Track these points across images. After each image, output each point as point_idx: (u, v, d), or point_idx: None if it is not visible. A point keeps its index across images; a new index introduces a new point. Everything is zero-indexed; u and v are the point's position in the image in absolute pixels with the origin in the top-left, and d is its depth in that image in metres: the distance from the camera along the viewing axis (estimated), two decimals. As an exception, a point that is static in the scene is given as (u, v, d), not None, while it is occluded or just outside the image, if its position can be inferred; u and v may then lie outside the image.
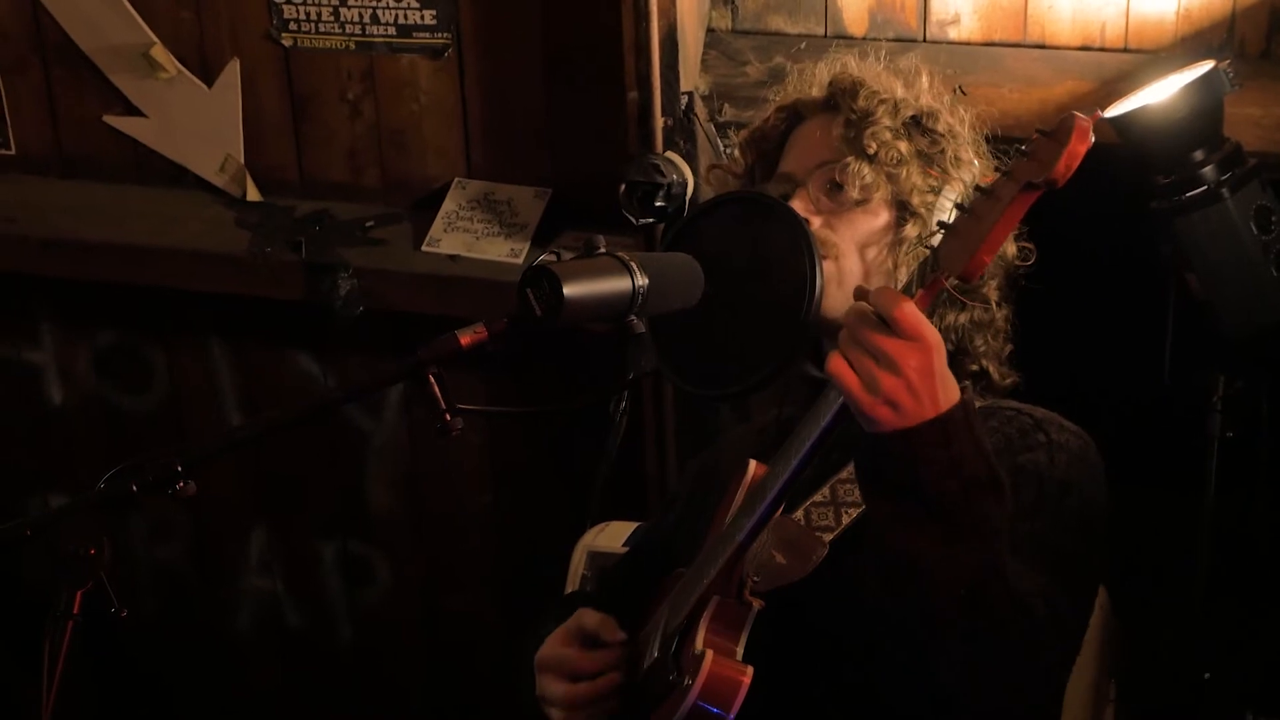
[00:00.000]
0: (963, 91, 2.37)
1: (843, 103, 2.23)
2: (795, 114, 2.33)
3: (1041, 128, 1.68)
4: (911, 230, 2.14)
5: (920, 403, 1.73)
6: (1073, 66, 3.21)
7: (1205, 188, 2.76)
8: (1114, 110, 2.81)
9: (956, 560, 1.75)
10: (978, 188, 1.74)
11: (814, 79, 2.32)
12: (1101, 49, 3.24)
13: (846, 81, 2.25)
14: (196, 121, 3.91)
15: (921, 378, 1.73)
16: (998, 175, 1.72)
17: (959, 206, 1.75)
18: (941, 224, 1.78)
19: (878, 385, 1.73)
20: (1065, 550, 1.96)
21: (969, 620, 1.76)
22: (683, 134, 3.35)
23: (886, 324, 1.73)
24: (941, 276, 1.74)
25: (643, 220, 3.28)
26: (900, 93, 2.24)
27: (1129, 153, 2.80)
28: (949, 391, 1.75)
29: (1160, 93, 2.77)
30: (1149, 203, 2.82)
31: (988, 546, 1.76)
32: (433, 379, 1.86)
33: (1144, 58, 3.18)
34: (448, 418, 1.87)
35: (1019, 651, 1.80)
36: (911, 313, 1.72)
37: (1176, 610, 3.02)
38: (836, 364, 1.76)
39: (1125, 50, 3.22)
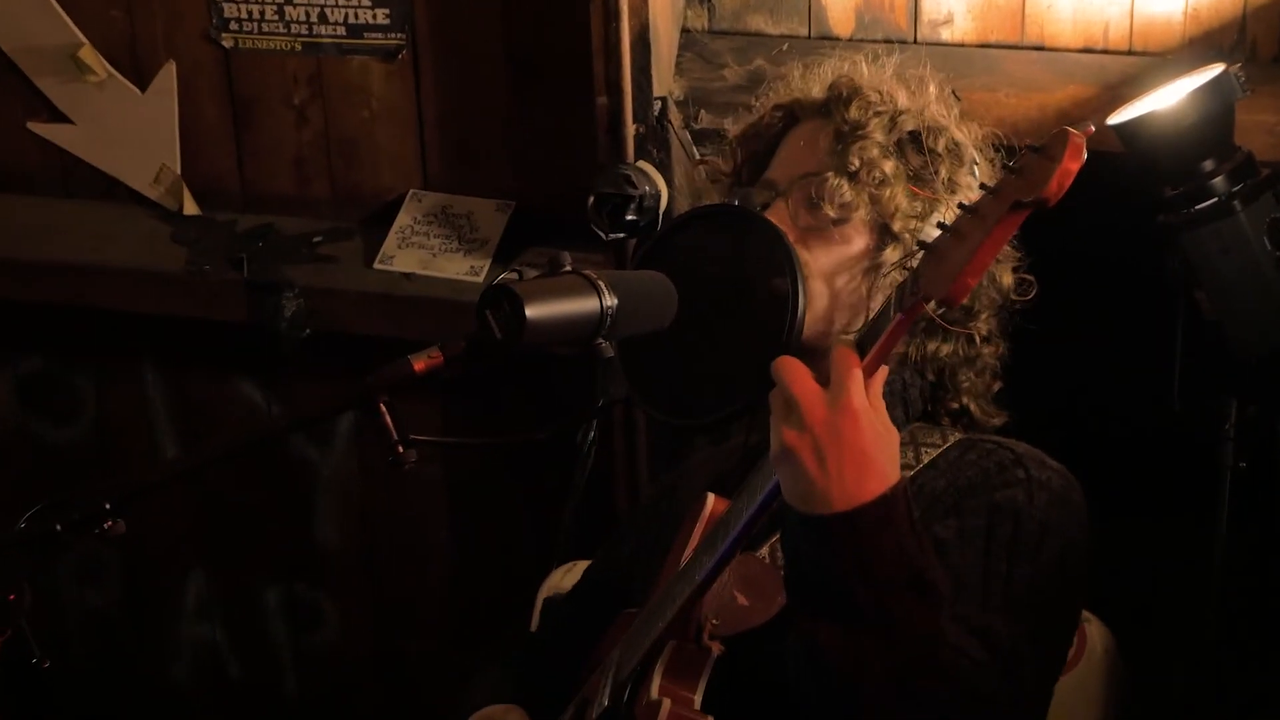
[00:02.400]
0: (956, 96, 2.38)
1: (836, 110, 2.24)
2: (791, 114, 2.34)
3: (1032, 143, 1.69)
4: (891, 256, 2.15)
5: (825, 472, 1.72)
6: (1074, 69, 3.23)
7: (1215, 200, 2.77)
8: (1118, 117, 2.82)
9: (864, 659, 1.74)
10: (962, 205, 1.74)
11: (817, 78, 2.33)
12: (1104, 51, 3.26)
13: (844, 87, 2.26)
14: (129, 129, 3.91)
15: (828, 439, 1.72)
16: (983, 193, 1.72)
17: (942, 226, 1.75)
18: (921, 244, 1.78)
19: (779, 434, 1.74)
20: (1040, 595, 1.96)
21: (897, 707, 1.75)
22: (656, 142, 3.36)
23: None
24: (921, 301, 1.74)
25: (612, 235, 3.29)
26: (902, 104, 2.25)
27: (1134, 162, 2.81)
28: (870, 475, 1.74)
29: (1167, 98, 2.78)
30: (1155, 216, 2.83)
31: (906, 649, 1.74)
32: (384, 407, 1.86)
33: (1150, 61, 3.19)
34: (400, 449, 1.86)
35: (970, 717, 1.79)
36: (844, 363, 1.74)
37: (1186, 651, 3.03)
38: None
39: (1130, 53, 3.24)
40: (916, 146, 2.22)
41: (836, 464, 1.72)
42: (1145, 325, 3.08)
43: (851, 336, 1.82)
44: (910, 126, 2.23)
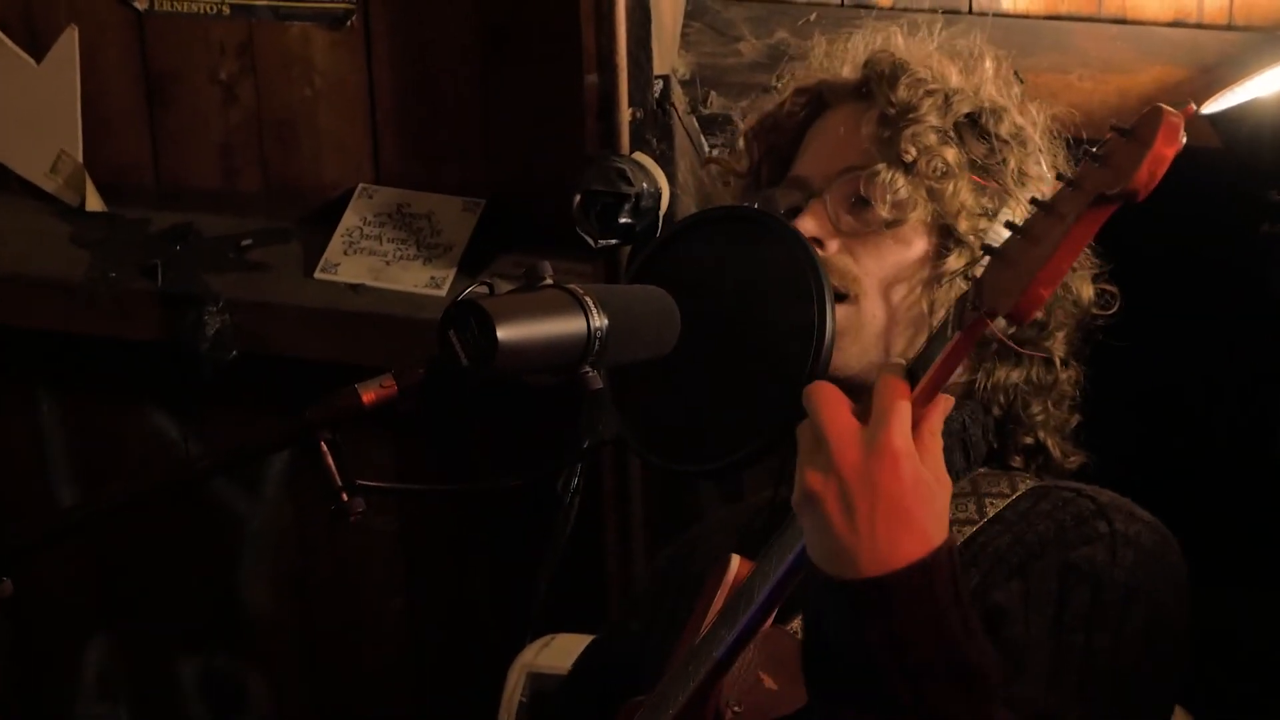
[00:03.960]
0: (1019, 78, 2.38)
1: (878, 91, 2.22)
2: (818, 99, 2.33)
3: (1118, 124, 1.69)
4: (956, 263, 2.14)
5: (854, 527, 1.70)
6: (1162, 47, 3.23)
7: (1333, 208, 2.78)
8: (1214, 104, 2.83)
9: None
10: (1034, 201, 1.72)
11: (846, 55, 2.32)
12: (1199, 25, 3.26)
13: (885, 63, 2.24)
14: (21, 107, 3.91)
15: (860, 487, 1.70)
16: (1060, 186, 1.70)
17: (1010, 226, 1.74)
18: (987, 249, 1.77)
19: (803, 474, 1.72)
20: (1127, 673, 1.94)
21: None
22: (656, 130, 3.36)
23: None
24: (985, 315, 1.73)
25: (603, 242, 3.29)
26: (955, 82, 2.24)
27: (1233, 159, 2.81)
28: (908, 535, 1.71)
29: (1274, 83, 2.79)
30: (1259, 226, 2.84)
31: None
32: (326, 447, 1.86)
33: (1253, 37, 3.20)
34: (345, 497, 1.86)
35: None
36: (889, 393, 1.72)
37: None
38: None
39: (1229, 28, 3.25)
40: (976, 131, 2.21)
41: (868, 518, 1.70)
42: (1245, 356, 3.08)
43: (901, 362, 1.81)
44: (967, 108, 2.21)
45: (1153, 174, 1.63)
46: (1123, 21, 3.30)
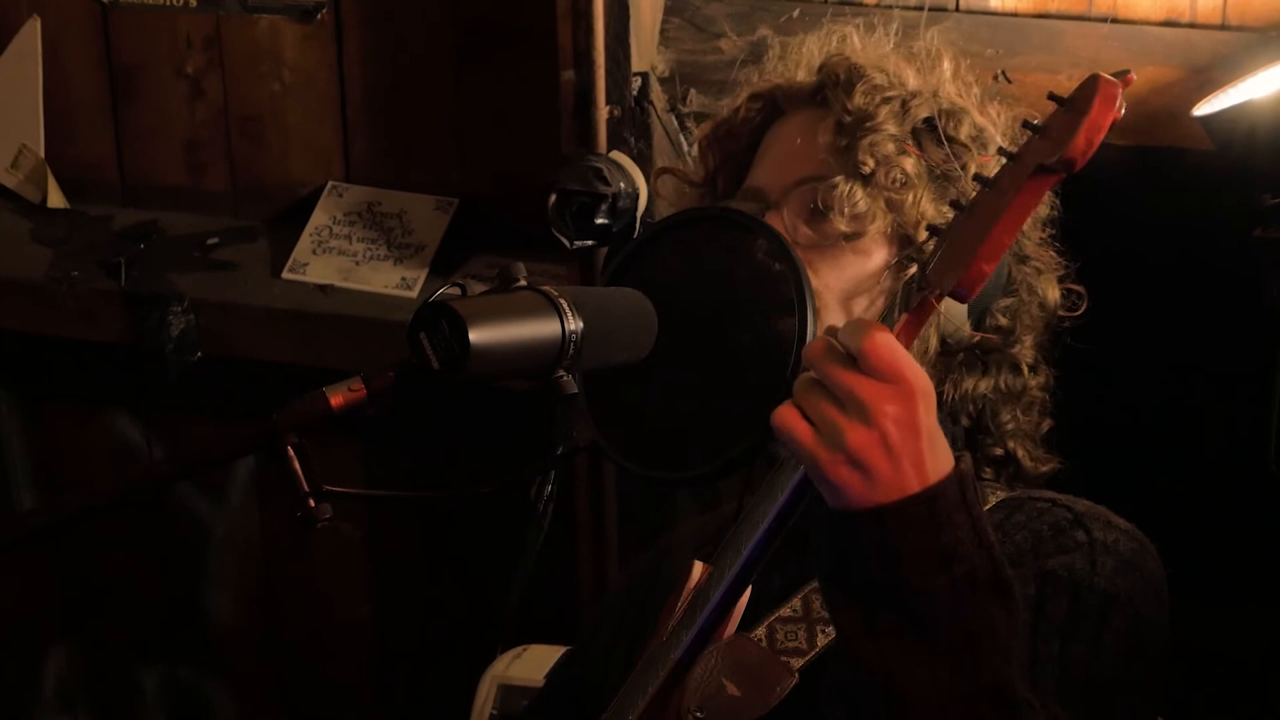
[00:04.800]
0: (1006, 79, 2.38)
1: (834, 97, 2.22)
2: (773, 105, 2.33)
3: (1057, 94, 1.70)
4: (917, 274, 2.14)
5: (899, 468, 1.69)
6: (1154, 47, 3.23)
7: (1326, 212, 2.78)
8: (1207, 106, 2.83)
9: (947, 683, 1.70)
10: (977, 178, 1.73)
11: (801, 58, 2.32)
12: (1192, 25, 3.26)
13: (841, 68, 2.24)
14: (-18, 101, 3.91)
15: (901, 432, 1.68)
16: (1001, 160, 1.71)
17: (955, 205, 1.74)
18: (932, 228, 1.77)
19: (841, 438, 1.68)
20: (1107, 682, 1.94)
21: None
22: (634, 128, 3.36)
23: (856, 362, 1.70)
24: (931, 295, 1.73)
25: (578, 243, 3.29)
26: (912, 84, 2.24)
27: (1225, 162, 2.82)
28: (939, 457, 1.71)
29: (1268, 84, 2.79)
30: (1252, 230, 2.84)
31: (990, 667, 1.72)
32: (292, 451, 1.86)
33: (1247, 37, 3.20)
34: (312, 503, 1.85)
35: None
36: (886, 344, 1.68)
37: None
38: (785, 414, 1.72)
39: (1223, 27, 3.25)
40: (935, 136, 2.21)
41: (912, 452, 1.69)
42: (1237, 365, 3.08)
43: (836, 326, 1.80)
44: (925, 112, 2.21)
45: (1090, 141, 1.64)
46: (1114, 20, 3.30)
